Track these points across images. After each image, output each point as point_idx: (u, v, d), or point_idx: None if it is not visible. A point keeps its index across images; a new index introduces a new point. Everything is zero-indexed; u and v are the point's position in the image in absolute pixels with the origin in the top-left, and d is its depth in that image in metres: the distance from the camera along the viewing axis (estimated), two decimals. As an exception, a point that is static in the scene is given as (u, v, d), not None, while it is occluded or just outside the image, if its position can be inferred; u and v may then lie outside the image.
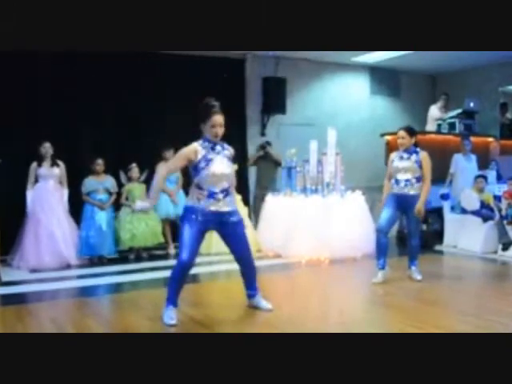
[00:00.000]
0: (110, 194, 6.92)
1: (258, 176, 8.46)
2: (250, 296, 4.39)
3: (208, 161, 3.90)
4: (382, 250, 5.31)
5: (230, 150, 4.09)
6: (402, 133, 5.30)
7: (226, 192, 3.99)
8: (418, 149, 5.35)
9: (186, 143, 4.09)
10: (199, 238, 3.97)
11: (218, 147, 3.99)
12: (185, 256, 3.88)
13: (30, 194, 6.49)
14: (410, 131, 5.31)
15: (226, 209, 4.00)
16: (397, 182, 5.31)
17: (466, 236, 7.36)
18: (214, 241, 7.28)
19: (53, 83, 7.30)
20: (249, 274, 4.31)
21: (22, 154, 6.73)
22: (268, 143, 8.37)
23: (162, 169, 4.10)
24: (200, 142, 3.97)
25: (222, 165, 3.95)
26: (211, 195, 3.91)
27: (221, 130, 3.95)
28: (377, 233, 5.33)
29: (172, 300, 3.99)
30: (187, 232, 3.89)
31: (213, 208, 3.93)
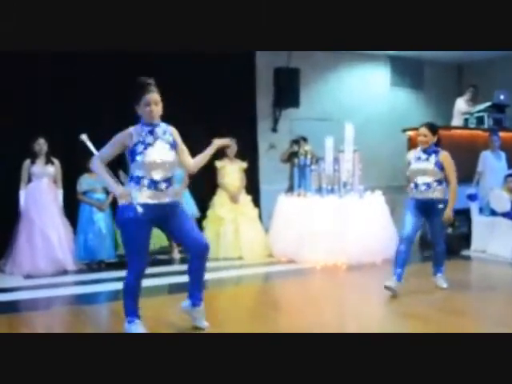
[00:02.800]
0: (108, 193, 6.91)
1: (291, 174, 8.27)
2: (195, 303, 4.00)
3: (146, 145, 3.67)
4: (401, 261, 5.13)
5: (173, 135, 3.84)
6: (423, 130, 5.13)
7: (168, 182, 3.76)
8: (439, 148, 5.23)
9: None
10: (148, 238, 3.79)
11: (158, 131, 3.76)
12: (138, 264, 3.72)
13: (23, 194, 6.50)
14: (433, 128, 5.16)
15: (167, 200, 3.76)
16: (416, 185, 5.18)
17: (496, 240, 7.28)
18: (221, 245, 7.30)
19: (52, 82, 7.38)
20: (200, 271, 3.94)
21: (17, 153, 6.79)
22: (303, 138, 8.22)
23: (93, 162, 3.76)
24: (136, 126, 3.75)
25: (162, 150, 3.71)
26: (152, 184, 3.68)
27: (156, 109, 3.72)
28: (400, 241, 5.19)
29: (134, 312, 3.78)
30: (133, 236, 3.68)
31: (154, 200, 3.69)
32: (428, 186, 5.13)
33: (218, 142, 4.09)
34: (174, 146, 3.82)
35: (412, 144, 8.45)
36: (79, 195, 6.80)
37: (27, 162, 6.55)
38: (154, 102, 3.71)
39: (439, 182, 5.14)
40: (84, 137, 4.01)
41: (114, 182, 3.75)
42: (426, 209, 5.18)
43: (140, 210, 3.58)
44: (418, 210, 5.19)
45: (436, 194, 5.14)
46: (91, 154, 7.28)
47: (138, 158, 3.66)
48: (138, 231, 3.68)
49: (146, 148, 3.67)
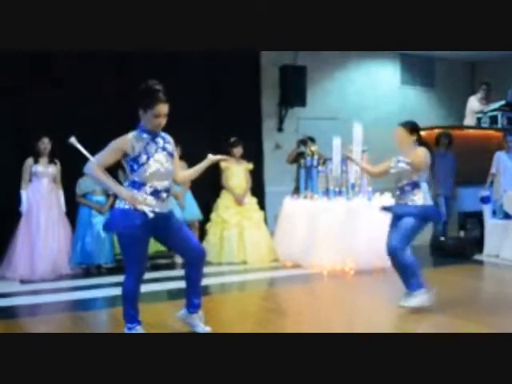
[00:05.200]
0: (108, 195, 6.91)
1: (298, 175, 8.23)
2: (191, 310, 4.04)
3: (149, 155, 3.67)
4: None
5: (171, 144, 3.87)
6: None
7: (168, 192, 3.81)
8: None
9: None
10: (148, 243, 3.83)
11: (159, 140, 3.78)
12: (138, 268, 3.75)
13: (26, 194, 6.51)
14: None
15: (166, 210, 3.80)
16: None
17: (509, 244, 7.26)
18: (225, 249, 7.30)
19: (52, 82, 7.44)
20: (198, 278, 4.01)
21: (15, 153, 6.89)
22: (310, 138, 8.16)
23: (90, 167, 3.68)
24: (136, 132, 3.72)
25: (163, 160, 3.73)
26: (154, 193, 3.69)
27: (164, 121, 3.73)
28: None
29: (134, 317, 3.80)
30: (135, 242, 3.69)
31: (155, 209, 3.68)
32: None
33: (212, 158, 4.08)
34: (172, 155, 3.84)
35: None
36: (78, 198, 6.80)
37: (29, 160, 6.57)
38: (164, 114, 3.70)
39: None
40: (73, 140, 3.94)
41: (117, 185, 3.73)
42: None
43: (151, 215, 3.59)
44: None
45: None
46: (91, 153, 7.33)
47: (142, 168, 3.66)
48: (140, 237, 3.70)
49: (149, 158, 3.67)
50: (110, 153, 3.69)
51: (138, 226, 3.63)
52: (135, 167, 3.67)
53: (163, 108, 3.67)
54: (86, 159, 3.76)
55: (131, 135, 3.71)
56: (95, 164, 3.67)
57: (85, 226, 6.74)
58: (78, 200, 6.81)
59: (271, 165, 9.16)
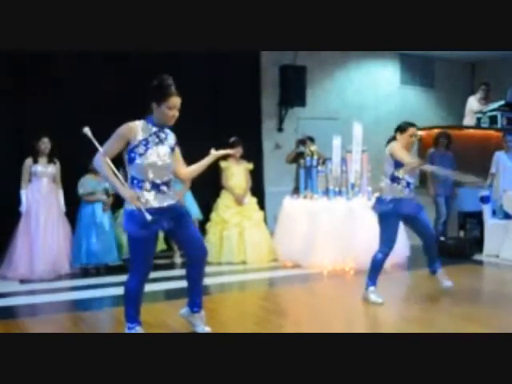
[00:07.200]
0: (108, 194, 6.86)
1: (297, 175, 8.17)
2: (193, 310, 4.08)
3: (148, 146, 3.67)
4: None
5: (173, 139, 3.88)
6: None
7: (168, 184, 3.79)
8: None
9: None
10: (155, 242, 3.86)
11: (162, 134, 3.78)
12: (143, 269, 3.76)
13: (25, 194, 6.50)
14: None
15: (171, 202, 3.79)
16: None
17: (509, 244, 7.26)
18: (225, 249, 7.30)
19: (52, 82, 7.45)
20: (200, 276, 4.02)
21: (15, 152, 6.90)
22: (310, 138, 8.13)
23: (99, 160, 3.69)
24: (143, 121, 3.74)
25: (162, 153, 3.73)
26: (153, 187, 3.70)
27: (177, 114, 3.74)
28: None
29: (135, 318, 3.81)
30: (142, 242, 3.71)
31: (158, 203, 3.71)
32: None
33: (215, 153, 4.09)
34: (173, 149, 3.85)
35: (423, 144, 8.48)
36: (84, 196, 6.74)
37: (29, 160, 6.55)
38: (177, 107, 3.73)
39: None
40: (87, 130, 3.93)
41: (121, 184, 3.71)
42: None
43: (149, 217, 3.59)
44: None
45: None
46: (91, 153, 7.33)
47: (138, 159, 3.65)
48: (145, 237, 3.70)
49: (147, 150, 3.67)
50: (115, 141, 3.70)
51: (142, 227, 3.64)
52: (133, 156, 3.66)
53: (176, 100, 3.71)
54: (93, 154, 3.77)
55: (137, 122, 3.72)
56: (104, 158, 3.68)
57: (88, 226, 6.69)
58: (85, 198, 6.74)
59: (271, 165, 9.16)
